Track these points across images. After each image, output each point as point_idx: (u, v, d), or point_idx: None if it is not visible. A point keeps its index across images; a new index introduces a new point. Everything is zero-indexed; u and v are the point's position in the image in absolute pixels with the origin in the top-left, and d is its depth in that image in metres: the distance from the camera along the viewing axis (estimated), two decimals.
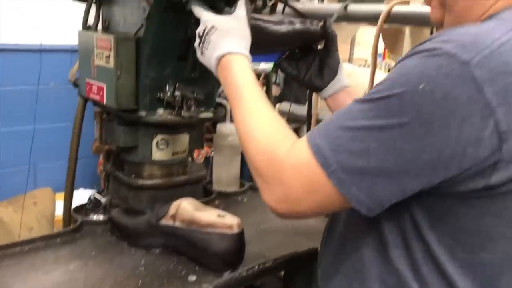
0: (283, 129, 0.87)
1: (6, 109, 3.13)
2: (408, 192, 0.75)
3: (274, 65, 1.18)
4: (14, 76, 3.13)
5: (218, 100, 1.49)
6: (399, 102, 0.71)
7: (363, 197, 0.74)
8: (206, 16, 1.02)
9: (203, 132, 1.50)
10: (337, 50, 1.17)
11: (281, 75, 3.46)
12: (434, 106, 0.69)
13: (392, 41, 1.77)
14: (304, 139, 0.79)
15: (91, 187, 3.20)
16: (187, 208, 1.12)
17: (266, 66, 1.14)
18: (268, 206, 0.83)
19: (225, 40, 0.97)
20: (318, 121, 2.02)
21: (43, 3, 3.07)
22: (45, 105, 3.25)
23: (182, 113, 1.30)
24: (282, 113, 1.84)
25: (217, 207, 1.51)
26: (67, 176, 1.47)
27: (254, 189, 1.64)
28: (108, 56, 1.25)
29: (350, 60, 3.46)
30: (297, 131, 3.03)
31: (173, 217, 1.13)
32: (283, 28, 1.11)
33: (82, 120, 1.45)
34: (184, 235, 1.11)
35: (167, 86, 1.30)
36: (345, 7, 1.59)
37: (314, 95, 1.29)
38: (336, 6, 1.61)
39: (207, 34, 0.99)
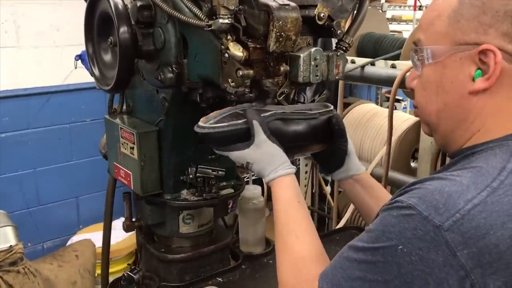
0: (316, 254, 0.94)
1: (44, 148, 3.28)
2: None
3: None
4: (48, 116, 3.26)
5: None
6: (383, 260, 0.77)
7: None
8: (234, 156, 1.08)
9: (227, 202, 1.57)
10: (345, 142, 1.20)
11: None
12: (412, 267, 0.74)
13: None
14: (315, 284, 0.86)
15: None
16: None
17: None
18: None
19: (264, 170, 1.04)
20: None
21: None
22: (83, 140, 3.40)
23: (204, 195, 1.37)
24: None
25: (244, 271, 1.57)
26: (103, 248, 1.57)
27: None
28: (132, 148, 1.33)
29: None
30: None
31: None
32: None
33: (113, 198, 1.54)
34: None
35: (189, 169, 1.37)
36: (363, 67, 1.61)
37: None
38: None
39: (249, 168, 1.06)
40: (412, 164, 1.99)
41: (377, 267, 0.77)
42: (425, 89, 0.92)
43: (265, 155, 1.04)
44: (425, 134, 0.96)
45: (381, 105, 4.25)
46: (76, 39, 2.91)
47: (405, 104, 4.37)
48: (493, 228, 0.72)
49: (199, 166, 1.38)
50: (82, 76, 3.26)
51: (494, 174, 0.77)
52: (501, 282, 0.72)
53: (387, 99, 3.97)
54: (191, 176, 1.37)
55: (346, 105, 2.95)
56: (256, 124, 1.05)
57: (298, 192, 1.03)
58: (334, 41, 1.25)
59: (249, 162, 1.05)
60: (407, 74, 1.46)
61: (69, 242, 3.10)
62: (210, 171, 1.39)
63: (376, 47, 1.94)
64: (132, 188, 1.38)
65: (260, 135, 1.04)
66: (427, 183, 0.80)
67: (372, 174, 1.94)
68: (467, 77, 0.85)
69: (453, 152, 0.93)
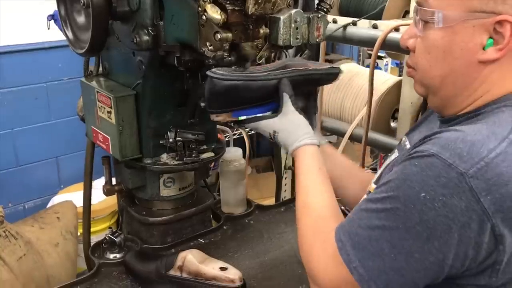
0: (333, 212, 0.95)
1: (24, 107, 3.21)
2: (420, 286, 0.82)
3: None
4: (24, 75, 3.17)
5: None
6: (404, 208, 0.78)
7: None
8: (262, 125, 1.08)
9: (208, 165, 1.56)
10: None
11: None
12: (435, 214, 0.76)
13: None
14: (332, 235, 0.87)
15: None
16: (192, 261, 1.21)
17: None
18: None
19: (288, 139, 1.05)
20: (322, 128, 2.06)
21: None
22: (61, 99, 3.33)
23: (184, 159, 1.36)
24: None
25: (225, 232, 1.60)
26: (83, 213, 1.57)
27: (260, 208, 1.71)
28: (110, 112, 1.30)
29: None
30: None
31: (180, 268, 1.22)
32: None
33: (92, 161, 1.53)
34: (191, 286, 1.20)
35: (169, 133, 1.36)
36: (345, 28, 1.58)
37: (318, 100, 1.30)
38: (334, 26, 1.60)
39: (274, 137, 1.06)
40: (392, 124, 2.00)
41: (397, 215, 0.79)
42: (429, 52, 0.89)
43: (290, 125, 1.05)
44: (419, 94, 0.96)
45: (363, 62, 4.22)
46: None
47: (386, 61, 4.35)
48: None
49: (178, 130, 1.36)
50: (58, 33, 3.18)
51: (509, 127, 0.80)
52: None
53: (369, 56, 3.95)
54: (170, 140, 1.36)
55: (328, 62, 2.93)
56: (286, 96, 1.05)
57: (320, 161, 1.03)
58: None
59: (276, 131, 1.06)
60: (390, 35, 1.45)
61: (50, 202, 3.09)
62: (190, 135, 1.38)
63: (358, 4, 1.91)
64: (111, 153, 1.36)
65: (288, 106, 1.05)
66: (446, 133, 0.81)
67: (352, 135, 1.95)
68: (478, 46, 0.84)
69: (448, 115, 0.94)
